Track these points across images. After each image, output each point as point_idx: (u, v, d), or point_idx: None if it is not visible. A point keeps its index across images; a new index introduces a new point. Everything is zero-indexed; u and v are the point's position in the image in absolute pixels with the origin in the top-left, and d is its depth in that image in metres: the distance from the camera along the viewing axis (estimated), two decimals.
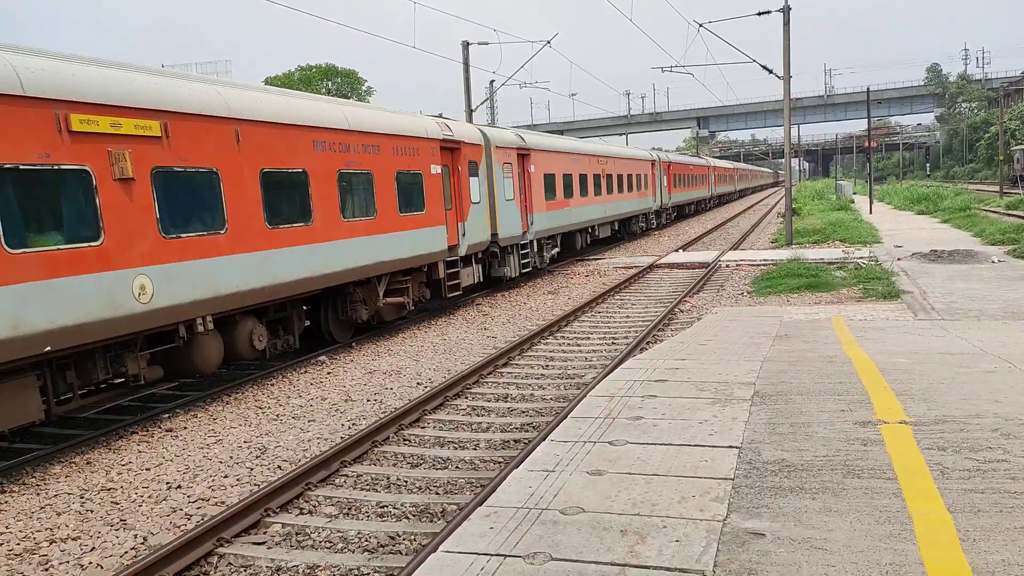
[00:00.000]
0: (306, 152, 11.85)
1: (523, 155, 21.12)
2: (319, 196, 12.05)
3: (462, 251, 16.93)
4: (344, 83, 75.88)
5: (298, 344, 12.46)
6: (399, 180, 14.38)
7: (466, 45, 29.25)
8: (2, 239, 7.47)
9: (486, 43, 30.37)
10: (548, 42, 30.06)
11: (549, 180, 22.83)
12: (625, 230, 33.39)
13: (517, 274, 20.35)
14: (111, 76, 8.92)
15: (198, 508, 6.81)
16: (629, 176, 32.57)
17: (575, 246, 26.32)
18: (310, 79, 74.79)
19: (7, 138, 7.57)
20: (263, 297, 10.91)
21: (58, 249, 8.00)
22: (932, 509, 4.46)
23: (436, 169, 15.80)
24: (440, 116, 17.93)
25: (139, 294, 8.83)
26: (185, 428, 9.20)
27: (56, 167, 8.06)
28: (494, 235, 18.78)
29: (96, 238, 8.43)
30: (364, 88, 77.17)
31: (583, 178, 26.14)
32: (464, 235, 17.09)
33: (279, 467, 7.73)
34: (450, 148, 16.70)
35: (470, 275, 17.65)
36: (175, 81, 9.91)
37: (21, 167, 7.69)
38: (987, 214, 34.91)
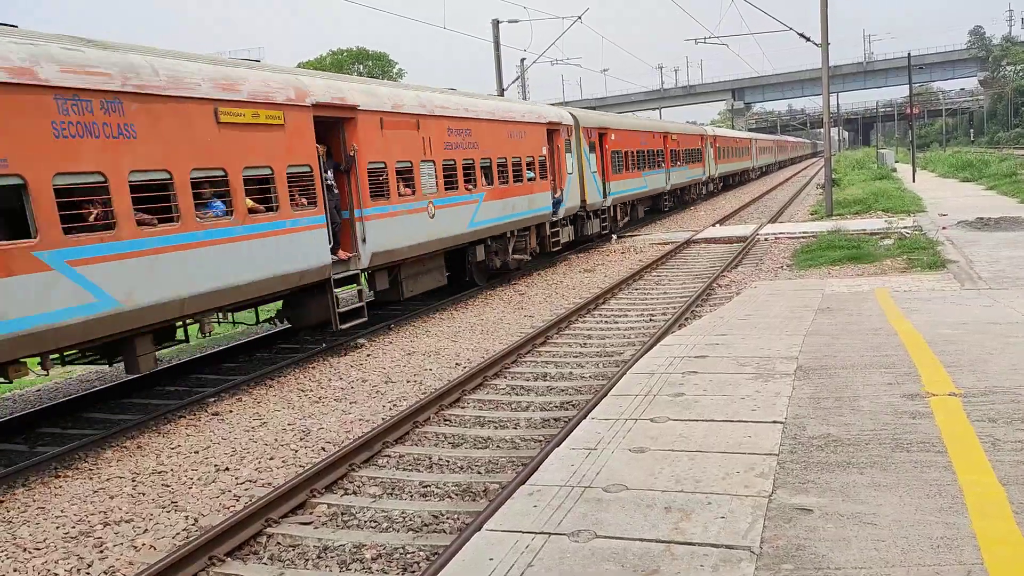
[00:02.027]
0: None
1: None
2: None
3: None
4: (375, 66, 75.98)
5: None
6: None
7: (496, 23, 29.08)
8: None
9: (516, 20, 30.19)
10: (579, 17, 29.75)
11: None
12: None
13: None
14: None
15: (246, 489, 6.94)
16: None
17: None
18: (342, 63, 74.94)
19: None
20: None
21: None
22: (984, 481, 4.37)
23: None
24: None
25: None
26: (230, 412, 9.36)
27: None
28: None
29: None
30: (395, 71, 77.21)
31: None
32: None
33: (323, 448, 7.83)
34: None
35: None
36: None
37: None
38: None
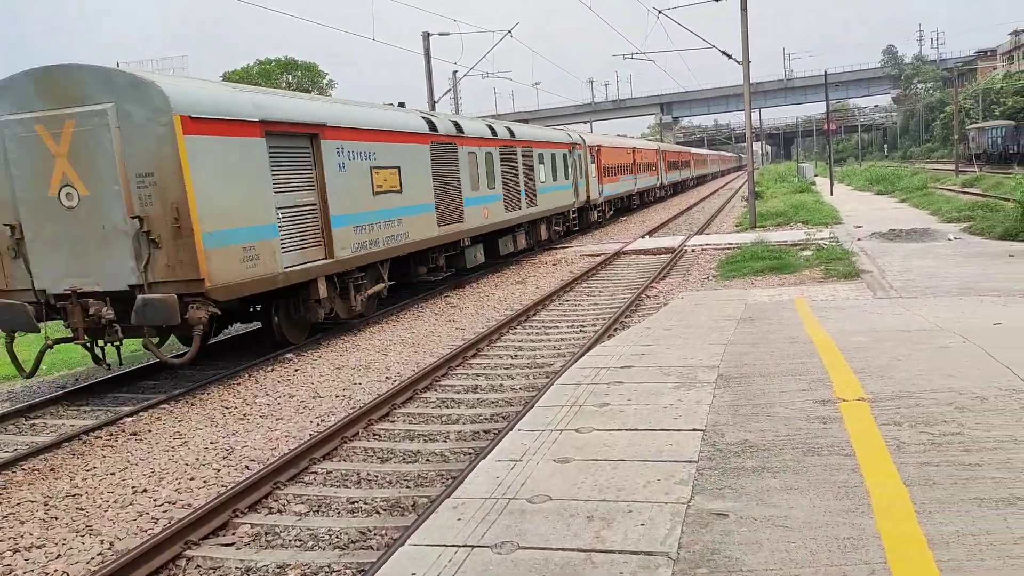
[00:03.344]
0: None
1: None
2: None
3: None
4: (304, 76, 75.04)
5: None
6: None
7: (427, 36, 29.10)
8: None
9: (447, 33, 30.25)
10: (509, 31, 30.03)
11: None
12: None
13: None
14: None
15: (165, 511, 6.75)
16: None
17: None
18: (269, 73, 73.78)
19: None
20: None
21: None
22: (889, 483, 4.57)
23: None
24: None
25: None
26: (150, 431, 9.10)
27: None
28: None
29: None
30: (325, 81, 76.42)
31: None
32: None
33: (247, 467, 7.68)
34: None
35: None
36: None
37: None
38: (944, 192, 35.62)
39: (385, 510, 6.51)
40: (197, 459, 7.99)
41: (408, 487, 6.98)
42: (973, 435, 5.23)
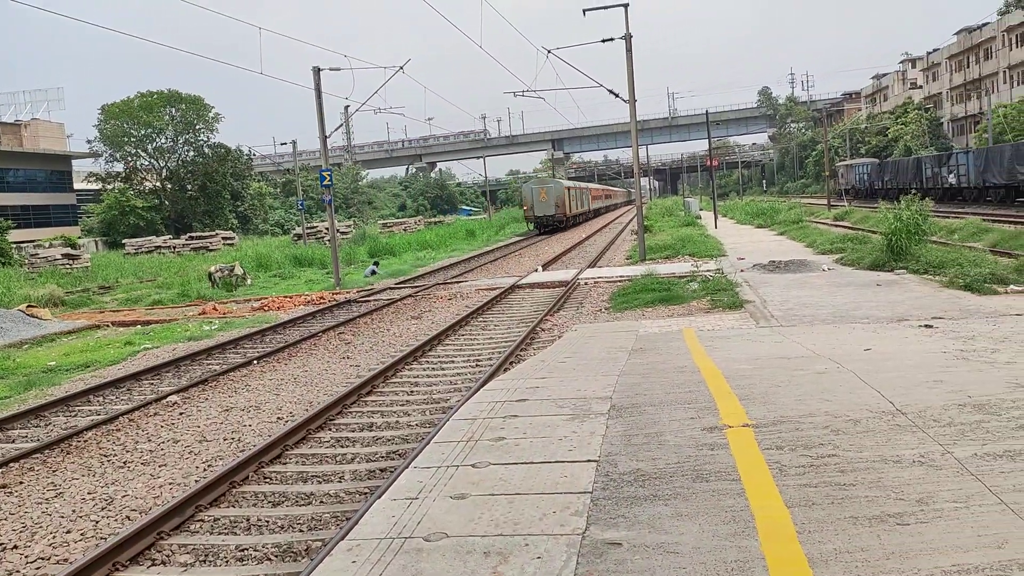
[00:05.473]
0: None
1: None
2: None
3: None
4: (189, 109, 72.79)
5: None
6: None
7: (317, 71, 28.82)
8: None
9: (338, 68, 30.04)
10: (401, 67, 30.16)
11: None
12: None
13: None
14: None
15: (37, 569, 6.31)
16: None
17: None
18: (151, 106, 71.30)
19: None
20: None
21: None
22: (772, 505, 4.77)
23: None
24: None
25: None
26: (20, 483, 8.50)
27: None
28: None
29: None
30: (211, 115, 74.39)
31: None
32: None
33: (128, 517, 7.28)
34: None
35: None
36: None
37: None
38: (818, 225, 37.84)
39: (277, 556, 6.30)
40: (74, 511, 7.52)
41: (301, 531, 6.78)
42: (847, 456, 5.53)
